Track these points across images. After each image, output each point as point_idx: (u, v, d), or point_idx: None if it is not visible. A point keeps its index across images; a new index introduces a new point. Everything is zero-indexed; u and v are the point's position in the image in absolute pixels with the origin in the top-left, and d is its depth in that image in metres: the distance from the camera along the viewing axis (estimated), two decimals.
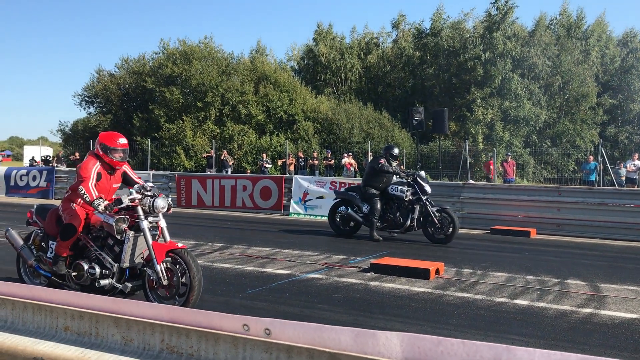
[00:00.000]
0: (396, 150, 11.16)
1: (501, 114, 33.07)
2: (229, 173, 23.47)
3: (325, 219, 14.66)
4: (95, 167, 5.56)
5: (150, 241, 5.27)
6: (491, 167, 21.24)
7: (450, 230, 10.31)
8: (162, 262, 5.23)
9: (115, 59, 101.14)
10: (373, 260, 7.94)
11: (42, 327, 3.19)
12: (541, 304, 6.06)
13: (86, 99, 39.69)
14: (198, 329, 2.58)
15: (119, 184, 5.88)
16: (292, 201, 15.48)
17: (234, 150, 31.04)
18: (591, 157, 21.63)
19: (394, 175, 10.96)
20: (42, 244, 5.94)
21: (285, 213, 15.48)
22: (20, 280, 6.11)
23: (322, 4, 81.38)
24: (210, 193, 16.50)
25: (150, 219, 5.38)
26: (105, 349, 2.91)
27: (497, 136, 31.91)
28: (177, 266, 5.26)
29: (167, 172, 20.04)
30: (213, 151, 26.70)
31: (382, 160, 10.77)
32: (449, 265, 8.12)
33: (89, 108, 40.23)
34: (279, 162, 27.47)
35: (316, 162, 24.30)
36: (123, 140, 5.71)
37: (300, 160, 24.20)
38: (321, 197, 15.09)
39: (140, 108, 35.99)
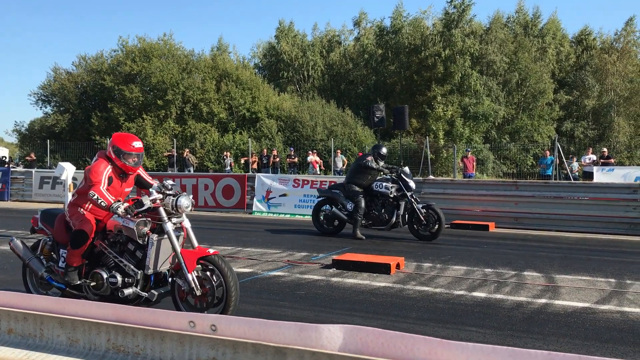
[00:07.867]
0: (384, 150, 10.98)
1: (461, 111, 33.69)
2: (192, 172, 23.18)
3: (288, 216, 14.66)
4: (107, 171, 5.10)
5: (177, 244, 4.90)
6: (467, 163, 21.13)
7: (437, 227, 10.25)
8: (194, 271, 4.83)
9: (72, 56, 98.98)
10: (335, 257, 7.96)
11: None
12: (498, 296, 6.18)
13: (42, 98, 38.73)
14: (144, 327, 2.53)
15: (131, 188, 5.45)
16: (255, 199, 15.39)
17: (196, 148, 30.72)
18: (548, 152, 22.17)
19: (379, 173, 10.83)
20: (52, 253, 5.43)
21: (248, 211, 15.38)
22: (28, 292, 5.58)
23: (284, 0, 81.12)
24: None
25: (174, 219, 4.99)
26: (51, 350, 2.83)
27: (458, 132, 32.49)
28: (210, 274, 4.87)
29: None
30: (174, 150, 26.36)
31: (370, 158, 10.65)
32: (409, 259, 8.21)
33: (46, 107, 39.31)
34: (242, 160, 27.33)
35: (277, 159, 24.21)
36: (138, 144, 5.24)
37: (264, 158, 24.10)
38: (284, 195, 15.06)
39: (99, 107, 35.27)
